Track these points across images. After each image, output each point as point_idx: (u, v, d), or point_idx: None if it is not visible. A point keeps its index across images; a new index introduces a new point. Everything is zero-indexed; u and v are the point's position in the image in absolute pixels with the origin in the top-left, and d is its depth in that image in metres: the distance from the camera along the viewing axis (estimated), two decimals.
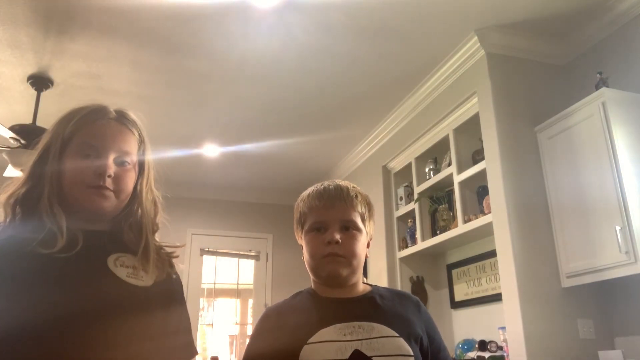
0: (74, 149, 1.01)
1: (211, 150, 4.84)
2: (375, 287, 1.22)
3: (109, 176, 1.00)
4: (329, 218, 1.14)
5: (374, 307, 1.14)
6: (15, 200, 0.99)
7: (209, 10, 2.90)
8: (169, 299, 1.05)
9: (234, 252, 5.95)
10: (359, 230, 1.16)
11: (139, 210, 1.09)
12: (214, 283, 5.88)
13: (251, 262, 5.96)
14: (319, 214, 1.16)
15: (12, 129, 3.44)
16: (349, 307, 1.13)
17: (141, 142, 1.10)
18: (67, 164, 0.99)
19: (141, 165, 1.09)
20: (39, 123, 3.60)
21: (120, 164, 1.02)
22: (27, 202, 0.99)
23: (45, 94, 3.67)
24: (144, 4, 2.84)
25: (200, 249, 5.77)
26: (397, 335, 1.08)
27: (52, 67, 3.45)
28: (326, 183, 1.21)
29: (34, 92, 3.63)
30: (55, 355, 0.85)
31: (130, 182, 1.04)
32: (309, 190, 1.22)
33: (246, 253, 5.97)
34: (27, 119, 3.68)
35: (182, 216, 5.77)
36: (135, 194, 1.08)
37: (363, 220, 1.18)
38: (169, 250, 1.16)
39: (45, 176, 0.99)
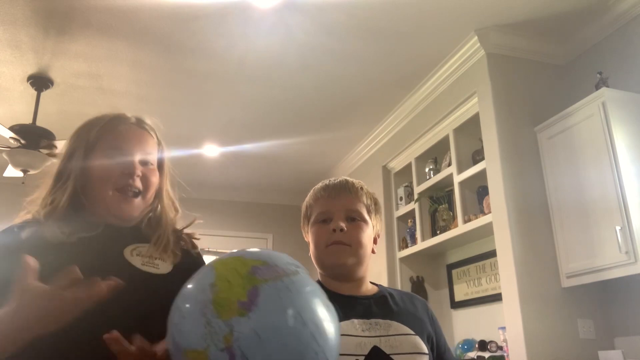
0: (99, 153, 1.03)
1: (211, 150, 4.84)
2: (382, 287, 1.21)
3: (137, 176, 1.04)
4: (334, 208, 1.14)
5: (387, 305, 1.14)
6: (43, 201, 1.02)
7: (209, 10, 2.90)
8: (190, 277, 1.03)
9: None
10: (364, 220, 1.15)
11: (159, 207, 1.12)
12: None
13: None
14: (324, 204, 1.16)
15: (12, 129, 3.44)
16: (365, 304, 1.12)
17: (159, 144, 1.16)
18: (95, 165, 1.02)
19: (160, 167, 1.14)
20: (39, 123, 3.60)
21: (145, 164, 1.06)
22: (52, 203, 1.01)
23: (45, 94, 3.67)
24: (144, 4, 2.84)
25: (200, 249, 5.76)
26: (413, 333, 1.08)
27: (52, 67, 3.45)
28: (332, 178, 1.22)
29: (34, 92, 3.63)
30: (71, 342, 0.85)
31: (155, 181, 1.08)
32: (316, 185, 1.23)
33: None
34: (27, 119, 3.69)
35: (182, 216, 5.77)
36: (158, 193, 1.12)
37: (369, 212, 1.17)
38: (188, 232, 1.20)
39: (70, 178, 1.02)
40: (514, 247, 2.75)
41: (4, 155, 3.54)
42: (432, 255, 3.94)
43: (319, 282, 1.17)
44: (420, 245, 3.75)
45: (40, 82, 3.57)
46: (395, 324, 1.09)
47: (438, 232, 3.63)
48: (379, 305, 1.13)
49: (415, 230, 3.86)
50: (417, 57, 3.37)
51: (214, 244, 5.87)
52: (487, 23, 3.05)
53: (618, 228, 2.41)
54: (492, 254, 3.13)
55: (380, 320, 1.09)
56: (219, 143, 4.70)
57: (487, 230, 3.07)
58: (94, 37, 3.14)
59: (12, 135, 3.44)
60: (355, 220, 1.14)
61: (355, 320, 1.06)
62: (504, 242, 2.81)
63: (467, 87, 3.29)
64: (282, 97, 3.89)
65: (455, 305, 3.71)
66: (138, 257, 1.01)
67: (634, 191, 2.44)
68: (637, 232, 2.37)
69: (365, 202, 1.17)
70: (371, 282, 1.20)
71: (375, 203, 1.21)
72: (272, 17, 2.95)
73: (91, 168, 1.02)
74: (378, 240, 1.23)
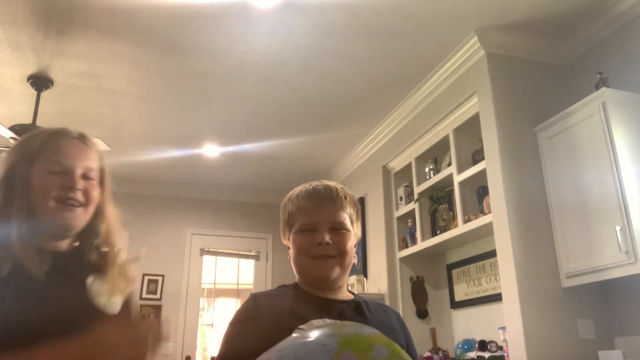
0: (41, 167, 1.06)
1: (211, 150, 4.84)
2: (357, 295, 1.23)
3: (79, 189, 1.07)
4: (319, 219, 1.15)
5: (361, 311, 1.15)
6: None
7: (209, 10, 2.90)
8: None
9: (234, 252, 5.96)
10: (347, 230, 1.17)
11: (104, 226, 1.15)
12: (214, 283, 5.88)
13: (251, 262, 5.96)
14: (309, 215, 1.16)
15: (12, 129, 3.44)
16: (340, 307, 1.14)
17: (101, 160, 1.17)
18: (36, 179, 1.05)
19: (102, 183, 1.16)
20: (39, 123, 3.59)
21: (86, 179, 1.10)
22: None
23: (45, 94, 3.67)
24: (144, 4, 2.84)
25: (200, 249, 5.77)
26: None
27: (52, 67, 3.45)
28: (315, 183, 1.21)
29: (34, 92, 3.63)
30: None
31: (96, 195, 1.11)
32: (297, 190, 1.22)
33: (246, 253, 5.97)
34: (27, 119, 3.68)
35: (182, 216, 5.77)
36: (99, 209, 1.15)
37: (351, 221, 1.19)
38: (129, 266, 1.21)
39: (13, 192, 1.04)
40: (514, 247, 2.74)
41: (4, 155, 3.54)
42: (432, 255, 3.94)
43: (295, 284, 1.19)
44: (420, 245, 3.75)
45: (40, 82, 3.57)
46: (373, 330, 1.09)
47: (438, 232, 3.63)
48: (352, 311, 1.14)
49: (415, 230, 3.86)
50: (417, 57, 3.37)
51: (214, 244, 5.87)
52: (487, 23, 3.05)
53: (618, 228, 2.41)
54: (492, 254, 3.13)
55: (354, 324, 1.09)
56: (219, 143, 4.70)
57: (487, 230, 3.07)
58: (94, 37, 3.14)
59: (12, 135, 3.44)
60: (339, 230, 1.15)
61: (328, 320, 1.06)
62: (504, 242, 2.81)
63: (467, 87, 3.29)
64: (282, 97, 3.88)
65: (455, 305, 3.71)
66: (101, 296, 1.06)
67: (634, 191, 2.44)
68: (637, 232, 2.37)
69: (348, 211, 1.18)
70: (348, 291, 1.23)
71: (357, 210, 1.22)
72: (272, 17, 2.95)
73: (32, 180, 1.05)
74: (369, 244, 1.26)
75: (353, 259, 1.18)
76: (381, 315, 1.18)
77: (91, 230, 1.12)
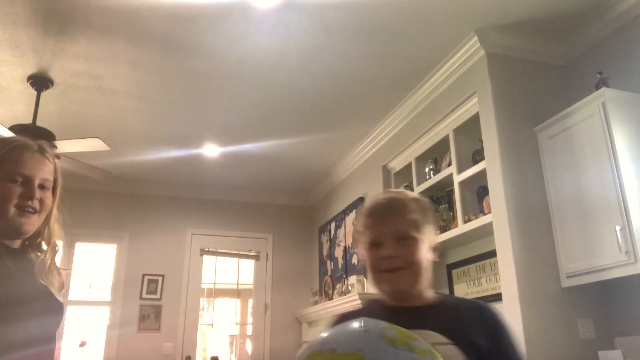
0: (3, 175, 1.19)
1: (211, 150, 4.84)
2: (442, 296, 1.23)
3: (36, 199, 1.21)
4: (382, 233, 1.16)
5: (431, 314, 1.15)
6: None
7: (209, 10, 2.90)
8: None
9: (234, 252, 5.96)
10: (414, 238, 1.15)
11: (47, 228, 1.30)
12: (214, 283, 5.88)
13: (251, 262, 5.96)
14: (373, 231, 1.17)
15: (12, 129, 3.44)
16: (411, 315, 1.13)
17: (56, 170, 1.31)
18: None
19: (54, 190, 1.30)
20: (39, 123, 3.60)
21: (42, 188, 1.24)
22: None
23: (45, 94, 3.67)
24: (144, 4, 2.84)
25: (200, 249, 5.77)
26: (447, 342, 1.08)
27: (52, 67, 3.45)
28: (380, 197, 1.22)
29: (34, 92, 3.63)
30: None
31: (49, 203, 1.26)
32: (364, 206, 1.24)
33: (246, 253, 5.97)
34: (27, 119, 3.68)
35: (182, 216, 5.77)
36: (48, 214, 1.29)
37: (419, 226, 1.17)
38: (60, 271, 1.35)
39: None
40: (514, 247, 2.74)
41: None
42: None
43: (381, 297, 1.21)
44: None
45: (40, 82, 3.57)
46: (431, 333, 1.09)
47: (438, 232, 3.63)
48: (423, 316, 1.15)
49: None
50: (417, 57, 3.37)
51: (214, 244, 5.87)
52: (487, 23, 3.05)
53: (618, 228, 2.41)
54: (492, 254, 3.12)
55: (420, 331, 1.07)
56: (219, 143, 4.70)
57: (487, 230, 3.07)
58: (94, 37, 3.14)
59: (12, 135, 3.44)
60: (405, 240, 1.15)
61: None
62: (504, 242, 2.81)
63: (467, 87, 3.29)
64: (282, 97, 3.88)
65: None
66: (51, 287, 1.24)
67: (634, 191, 2.44)
68: (637, 232, 2.37)
69: (413, 218, 1.17)
70: (437, 292, 1.22)
71: (425, 214, 1.20)
72: (272, 17, 2.95)
73: None
74: (436, 246, 1.23)
75: (427, 263, 1.18)
76: (456, 314, 1.16)
77: (38, 231, 1.27)
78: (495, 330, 1.13)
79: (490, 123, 3.02)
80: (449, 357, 1.05)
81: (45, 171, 1.24)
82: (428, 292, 1.20)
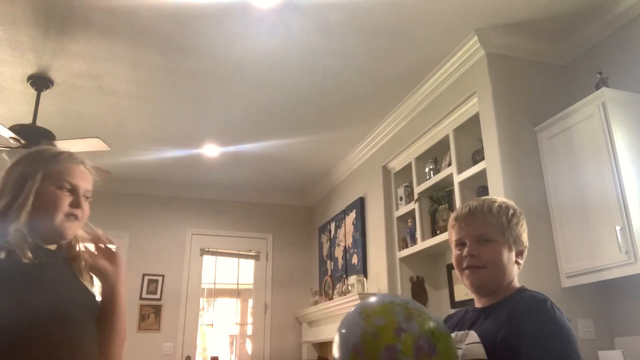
0: (53, 183, 1.28)
1: (211, 150, 4.84)
2: (514, 292, 1.27)
3: (80, 208, 1.31)
4: (465, 235, 1.29)
5: (486, 314, 1.25)
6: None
7: (209, 10, 2.90)
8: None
9: (234, 252, 5.96)
10: (495, 241, 1.26)
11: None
12: (214, 283, 5.88)
13: (251, 262, 5.96)
14: (458, 232, 1.32)
15: (12, 129, 3.44)
16: (474, 315, 1.28)
17: (93, 182, 1.41)
18: (48, 193, 1.27)
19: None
20: (39, 123, 3.60)
21: (85, 198, 1.34)
22: (13, 219, 1.22)
23: (45, 94, 3.67)
24: (144, 4, 2.84)
25: (200, 249, 5.77)
26: (478, 341, 1.19)
27: (52, 67, 3.45)
28: (469, 202, 1.34)
29: (34, 92, 3.63)
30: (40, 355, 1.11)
31: (88, 212, 1.35)
32: (456, 209, 1.40)
33: (246, 253, 5.97)
34: (27, 119, 3.68)
35: (182, 216, 5.77)
36: None
37: (503, 230, 1.27)
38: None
39: (22, 198, 1.24)
40: None
41: (4, 155, 3.53)
42: (432, 255, 3.94)
43: None
44: (420, 245, 3.75)
45: (40, 82, 3.57)
46: (472, 333, 1.22)
47: (438, 232, 3.63)
48: (481, 316, 1.26)
49: (415, 230, 3.86)
50: (417, 57, 3.37)
51: (214, 244, 5.87)
52: (487, 23, 3.05)
53: (618, 228, 2.41)
54: None
55: (466, 331, 1.24)
56: (219, 143, 4.70)
57: None
58: (94, 37, 3.14)
59: (12, 135, 3.44)
60: (486, 242, 1.26)
61: (452, 334, 1.23)
62: None
63: (467, 87, 3.29)
64: (281, 97, 3.89)
65: (456, 305, 3.71)
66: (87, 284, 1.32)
67: (634, 191, 2.44)
68: (637, 232, 2.37)
69: (495, 222, 1.28)
70: (524, 289, 1.29)
71: (510, 218, 1.30)
72: (272, 17, 2.95)
73: (44, 193, 1.26)
74: (524, 250, 1.32)
75: (510, 265, 1.27)
76: (496, 312, 1.22)
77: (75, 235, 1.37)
78: (519, 327, 1.14)
79: (490, 123, 3.02)
80: (475, 354, 1.17)
81: (87, 182, 1.35)
82: (509, 289, 1.28)
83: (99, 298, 1.33)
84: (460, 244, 1.30)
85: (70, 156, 1.35)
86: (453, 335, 1.24)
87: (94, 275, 1.35)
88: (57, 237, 1.29)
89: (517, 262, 1.30)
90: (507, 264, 1.26)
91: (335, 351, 1.15)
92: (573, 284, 2.67)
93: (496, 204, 1.30)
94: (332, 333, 4.75)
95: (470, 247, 1.27)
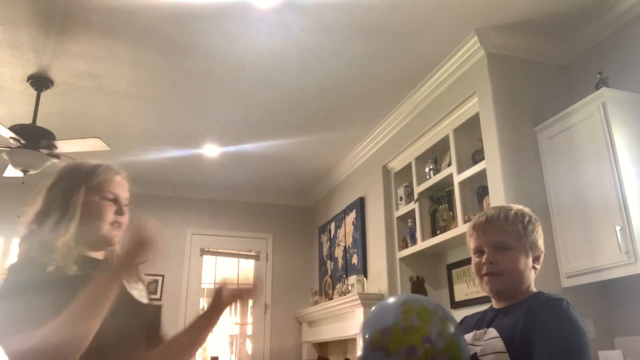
0: (97, 194, 1.34)
1: (211, 150, 4.84)
2: (532, 295, 1.32)
3: (124, 215, 1.38)
4: (483, 243, 1.35)
5: (501, 314, 1.31)
6: (37, 223, 1.29)
7: (209, 10, 2.90)
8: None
9: (234, 252, 5.96)
10: (511, 248, 1.32)
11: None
12: (214, 283, 5.88)
13: (251, 262, 5.96)
14: (476, 240, 1.37)
15: (12, 129, 3.44)
16: (492, 315, 1.34)
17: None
18: (94, 204, 1.33)
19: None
20: (39, 123, 3.60)
21: (126, 207, 1.41)
22: (44, 226, 1.28)
23: (45, 94, 3.67)
24: (144, 4, 2.84)
25: (200, 249, 5.77)
26: (498, 336, 1.24)
27: (52, 67, 3.45)
28: (487, 210, 1.40)
29: (34, 92, 3.63)
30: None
31: (128, 219, 1.41)
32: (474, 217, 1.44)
33: (246, 253, 5.97)
34: (27, 119, 3.68)
35: (182, 216, 5.77)
36: None
37: (519, 237, 1.33)
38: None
39: (69, 210, 1.29)
40: None
41: (4, 155, 3.54)
42: (432, 255, 3.93)
43: None
44: (420, 245, 3.74)
45: (40, 82, 3.57)
46: (490, 329, 1.28)
47: (438, 232, 3.63)
48: (499, 315, 1.31)
49: (415, 230, 3.86)
50: (417, 57, 3.37)
51: (214, 244, 5.87)
52: (487, 23, 3.05)
53: (618, 228, 2.41)
54: None
55: (486, 329, 1.30)
56: (219, 143, 4.70)
57: None
58: (94, 37, 3.14)
59: (12, 135, 3.44)
60: (504, 249, 1.32)
61: (471, 333, 1.32)
62: None
63: (467, 87, 3.29)
64: (281, 97, 3.89)
65: (456, 305, 3.71)
66: (134, 291, 1.36)
67: (634, 191, 2.44)
68: (637, 232, 2.37)
69: (511, 229, 1.33)
70: (541, 292, 1.33)
71: (525, 226, 1.34)
72: (272, 17, 2.95)
73: (91, 205, 1.32)
74: (541, 255, 1.36)
75: (527, 270, 1.32)
76: (515, 311, 1.27)
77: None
78: (535, 325, 1.19)
79: (490, 123, 3.02)
80: (495, 347, 1.23)
81: (126, 191, 1.43)
82: (526, 293, 1.33)
83: (145, 301, 1.38)
84: (479, 251, 1.35)
85: (108, 168, 1.41)
86: (472, 334, 1.32)
87: (140, 278, 1.40)
88: (105, 245, 1.35)
89: (534, 268, 1.35)
90: (524, 270, 1.32)
91: (364, 324, 1.21)
92: (573, 284, 2.67)
93: (512, 212, 1.35)
94: (332, 333, 4.76)
95: (489, 255, 1.32)
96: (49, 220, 1.28)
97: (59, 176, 1.38)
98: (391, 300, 1.24)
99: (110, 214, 1.35)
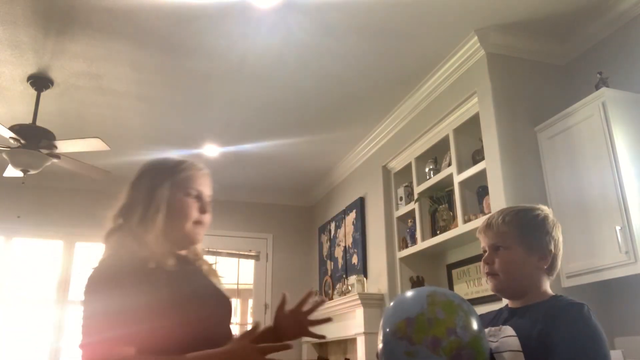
0: (181, 191, 1.31)
1: (211, 150, 4.84)
2: (548, 298, 1.33)
3: (208, 212, 1.35)
4: (485, 244, 1.40)
5: (518, 313, 1.32)
6: (123, 217, 1.30)
7: (209, 10, 2.90)
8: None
9: (234, 252, 5.95)
10: (506, 248, 1.35)
11: None
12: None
13: (251, 262, 5.96)
14: (481, 242, 1.43)
15: (12, 129, 3.44)
16: (507, 313, 1.36)
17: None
18: (178, 201, 1.30)
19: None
20: (39, 123, 3.60)
21: (209, 203, 1.38)
22: (150, 229, 1.26)
23: (45, 94, 3.67)
24: (144, 4, 2.84)
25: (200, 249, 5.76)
26: (513, 334, 1.25)
27: (52, 67, 3.45)
28: (493, 213, 1.43)
29: (34, 92, 3.63)
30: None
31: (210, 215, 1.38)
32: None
33: (246, 253, 5.97)
34: (27, 119, 3.68)
35: None
36: None
37: (521, 236, 1.35)
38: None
39: (155, 208, 1.28)
40: None
41: (4, 155, 3.54)
42: (432, 255, 3.94)
43: None
44: (420, 245, 3.75)
45: (40, 82, 3.57)
46: (506, 327, 1.29)
47: (438, 232, 3.63)
48: (515, 314, 1.33)
49: (415, 230, 3.86)
50: (417, 57, 3.37)
51: (214, 244, 5.86)
52: (487, 23, 3.05)
53: (618, 228, 2.41)
54: None
55: (501, 326, 1.31)
56: (219, 143, 4.70)
57: None
58: (94, 37, 3.14)
59: (12, 135, 3.44)
60: (500, 250, 1.36)
61: (486, 330, 1.30)
62: None
63: (467, 87, 3.29)
64: (282, 97, 3.89)
65: None
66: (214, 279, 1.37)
67: (634, 191, 2.44)
68: (637, 232, 2.37)
69: (507, 230, 1.35)
70: (561, 296, 1.34)
71: (523, 226, 1.36)
72: (272, 17, 2.95)
73: (175, 201, 1.29)
74: (549, 255, 1.39)
75: (527, 270, 1.34)
76: (531, 312, 1.28)
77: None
78: (555, 324, 1.20)
79: (490, 123, 3.02)
80: (510, 345, 1.24)
81: (209, 188, 1.38)
82: (540, 294, 1.34)
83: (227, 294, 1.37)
84: (484, 251, 1.41)
85: (192, 164, 1.38)
86: (486, 330, 1.31)
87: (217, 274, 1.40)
88: (189, 243, 1.33)
89: (541, 267, 1.35)
90: (523, 269, 1.33)
91: (387, 312, 1.23)
92: (573, 284, 2.67)
93: (513, 212, 1.39)
94: (332, 333, 4.76)
95: (487, 256, 1.38)
96: (134, 215, 1.27)
97: (143, 171, 1.38)
98: (416, 291, 1.26)
99: (194, 211, 1.31)
